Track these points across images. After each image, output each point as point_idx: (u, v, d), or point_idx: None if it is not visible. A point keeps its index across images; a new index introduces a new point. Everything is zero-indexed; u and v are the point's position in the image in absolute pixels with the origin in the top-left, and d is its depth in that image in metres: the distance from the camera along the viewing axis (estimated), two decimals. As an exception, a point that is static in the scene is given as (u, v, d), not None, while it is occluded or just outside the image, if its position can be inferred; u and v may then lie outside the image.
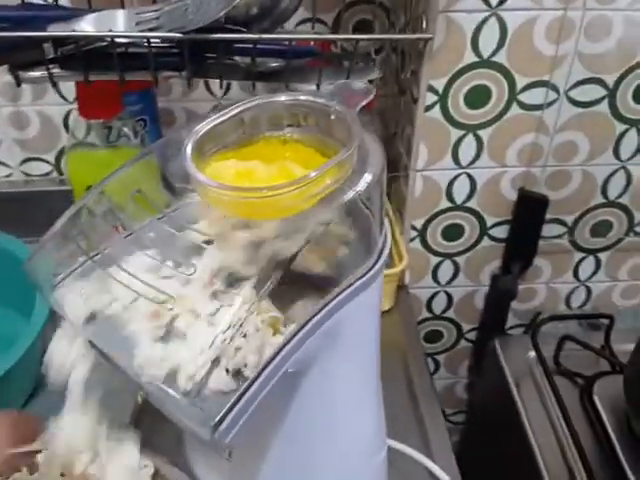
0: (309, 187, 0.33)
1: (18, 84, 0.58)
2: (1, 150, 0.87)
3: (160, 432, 0.42)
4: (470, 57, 0.69)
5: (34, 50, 0.55)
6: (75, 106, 0.68)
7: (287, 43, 0.58)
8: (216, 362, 0.30)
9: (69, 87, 0.79)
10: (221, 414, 0.30)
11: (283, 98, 0.40)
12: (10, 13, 0.57)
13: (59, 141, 0.87)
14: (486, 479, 0.85)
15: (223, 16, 0.52)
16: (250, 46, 0.57)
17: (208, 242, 0.35)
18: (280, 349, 0.33)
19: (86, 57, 0.56)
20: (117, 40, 0.55)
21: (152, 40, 0.56)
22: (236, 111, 0.38)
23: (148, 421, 0.40)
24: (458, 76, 0.70)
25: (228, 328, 0.31)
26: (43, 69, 0.57)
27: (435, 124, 0.73)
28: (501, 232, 0.83)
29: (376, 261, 0.39)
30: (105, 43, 0.56)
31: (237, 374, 0.32)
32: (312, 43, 0.67)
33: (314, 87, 0.61)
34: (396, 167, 0.81)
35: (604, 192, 0.81)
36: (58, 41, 0.56)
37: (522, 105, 0.73)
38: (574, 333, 0.82)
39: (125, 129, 0.68)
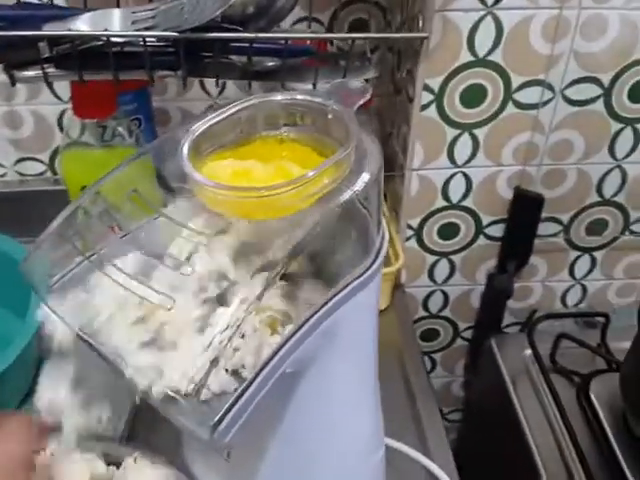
0: (307, 187, 0.33)
1: (13, 83, 0.58)
2: (-5, 150, 0.87)
3: (158, 432, 0.42)
4: (466, 56, 0.69)
5: (29, 49, 0.55)
6: (69, 105, 0.68)
7: (283, 42, 0.58)
8: (215, 362, 0.30)
9: (63, 86, 0.79)
10: (220, 414, 0.30)
11: (280, 97, 0.39)
12: (5, 12, 0.56)
13: (53, 141, 0.87)
14: (483, 477, 0.85)
15: (219, 15, 0.52)
16: (246, 45, 0.56)
17: (206, 242, 0.35)
18: (278, 349, 0.33)
19: (81, 56, 0.56)
20: (113, 39, 0.55)
21: (148, 39, 0.55)
22: (232, 110, 0.38)
23: (146, 421, 0.40)
24: (454, 75, 0.70)
25: (226, 328, 0.31)
26: (38, 68, 0.57)
27: (431, 123, 0.73)
28: (497, 231, 0.83)
29: (374, 261, 0.39)
30: (101, 42, 0.55)
31: (235, 374, 0.32)
32: (308, 42, 0.67)
33: (310, 86, 0.61)
34: (392, 166, 0.81)
35: (599, 191, 0.81)
36: (53, 40, 0.55)
37: (518, 104, 0.73)
38: (570, 331, 0.82)
39: (120, 128, 0.68)
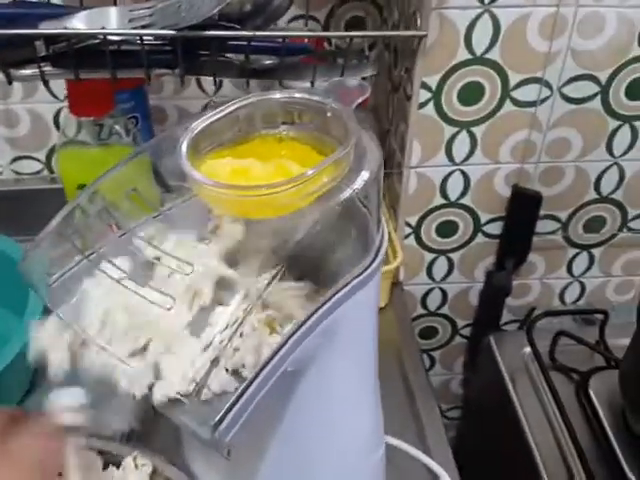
0: (306, 185, 0.33)
1: (9, 82, 0.58)
2: (-9, 149, 0.87)
3: (159, 431, 0.42)
4: (463, 54, 0.68)
5: (26, 48, 0.54)
6: (66, 104, 0.67)
7: (281, 40, 0.58)
8: (215, 362, 0.30)
9: (60, 85, 0.78)
10: (221, 414, 0.30)
11: (278, 96, 0.39)
12: (1, 10, 0.56)
13: (50, 139, 0.87)
14: (483, 474, 0.85)
15: (216, 13, 0.52)
16: (244, 43, 0.56)
17: (205, 241, 0.35)
18: (278, 349, 0.33)
19: (78, 55, 0.56)
20: (109, 38, 0.55)
21: (145, 37, 0.55)
22: (231, 109, 0.38)
23: (147, 420, 0.40)
24: (451, 73, 0.70)
25: (226, 328, 0.31)
26: (35, 67, 0.56)
27: (429, 121, 0.73)
28: (495, 228, 0.83)
29: (373, 259, 0.39)
30: (97, 41, 0.55)
31: (235, 374, 0.32)
32: (306, 40, 0.67)
33: (308, 84, 0.61)
34: (390, 164, 0.81)
35: (597, 188, 0.81)
36: (50, 39, 0.55)
37: (515, 102, 0.73)
38: (568, 328, 0.82)
39: (117, 127, 0.68)
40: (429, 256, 0.85)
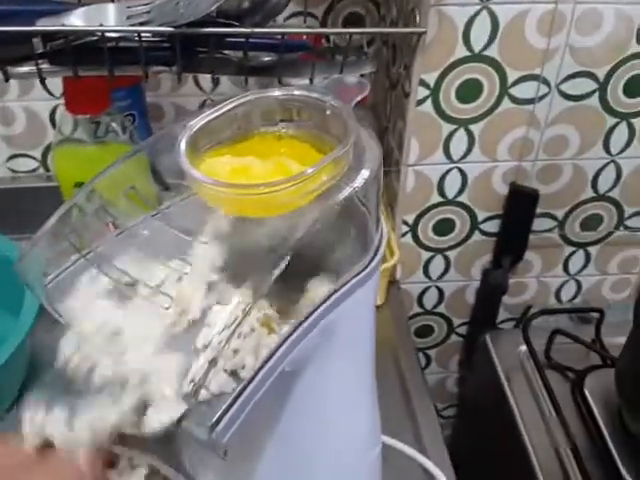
0: (306, 184, 0.33)
1: (6, 79, 0.57)
2: (-13, 146, 0.86)
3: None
4: (462, 51, 0.68)
5: (23, 45, 0.54)
6: (62, 101, 0.67)
7: (279, 37, 0.57)
8: (213, 363, 0.30)
9: (56, 82, 0.77)
10: (218, 414, 0.30)
11: (277, 93, 0.39)
12: (-2, 7, 0.56)
13: (46, 137, 0.86)
14: (478, 473, 0.85)
15: (215, 10, 0.52)
16: (242, 40, 0.56)
17: (204, 240, 0.35)
18: (276, 349, 0.33)
19: (76, 52, 0.56)
20: (107, 34, 0.55)
21: (143, 34, 0.55)
22: (229, 106, 0.38)
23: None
24: (450, 70, 0.69)
25: (224, 328, 0.31)
26: (32, 64, 0.56)
27: (427, 119, 0.73)
28: (492, 226, 0.83)
29: (372, 258, 0.38)
30: (95, 37, 0.55)
31: (233, 375, 0.31)
32: (304, 37, 0.66)
33: (307, 82, 0.60)
34: (387, 162, 0.81)
35: (594, 186, 0.81)
36: (47, 36, 0.55)
37: (513, 99, 0.72)
38: (564, 327, 0.82)
39: (113, 124, 0.67)
40: (426, 254, 0.85)
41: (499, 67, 0.70)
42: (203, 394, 0.30)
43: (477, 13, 0.66)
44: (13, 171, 0.89)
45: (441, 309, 0.92)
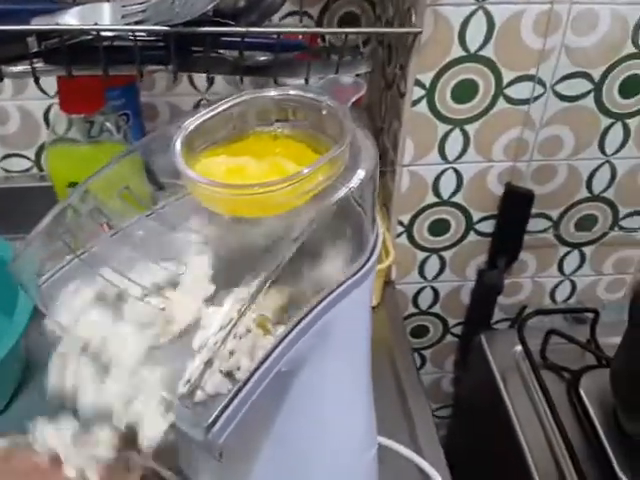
0: (302, 184, 0.33)
1: (0, 79, 0.57)
2: (-20, 146, 0.86)
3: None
4: (457, 51, 0.68)
5: (17, 44, 0.54)
6: (56, 100, 0.67)
7: (275, 36, 0.57)
8: (209, 364, 0.30)
9: (50, 81, 0.77)
10: (214, 415, 0.30)
11: (273, 93, 0.39)
12: (-8, 6, 0.56)
13: (39, 137, 0.86)
14: (474, 473, 0.85)
15: (210, 9, 0.52)
16: (238, 39, 0.56)
17: (198, 240, 0.35)
18: (272, 350, 0.33)
19: (70, 51, 0.55)
20: (102, 34, 0.54)
21: (138, 33, 0.55)
22: (225, 106, 0.38)
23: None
24: (445, 70, 0.69)
25: (220, 329, 0.31)
26: (26, 63, 0.56)
27: (422, 119, 0.72)
28: (487, 227, 0.83)
29: (368, 259, 0.38)
30: (90, 37, 0.55)
31: (229, 376, 0.31)
32: (300, 37, 0.66)
33: (302, 81, 0.60)
34: (382, 162, 0.81)
35: (589, 186, 0.81)
36: (42, 35, 0.55)
37: (509, 99, 0.72)
38: (559, 327, 0.82)
39: (107, 124, 0.67)
40: (421, 255, 0.85)
41: (494, 67, 0.70)
42: (199, 395, 0.30)
43: (473, 13, 0.66)
44: (6, 171, 0.88)
45: (436, 309, 0.92)
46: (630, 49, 0.70)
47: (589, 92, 0.73)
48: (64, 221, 0.36)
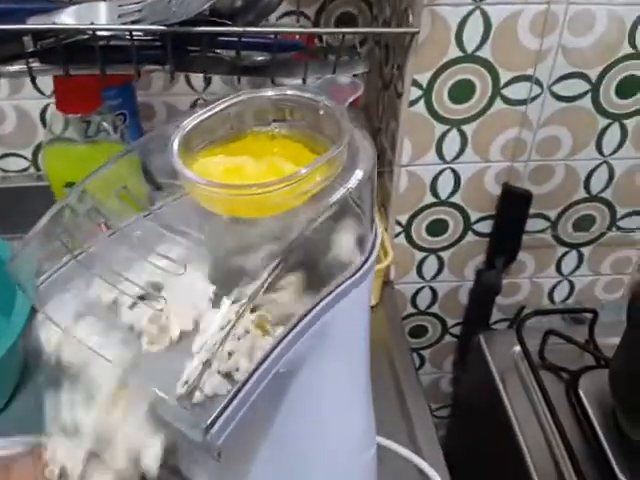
0: (300, 184, 0.33)
1: (-4, 78, 0.57)
2: (-23, 146, 0.86)
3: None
4: (454, 51, 0.68)
5: (13, 43, 0.54)
6: (52, 100, 0.67)
7: (272, 36, 0.57)
8: (207, 365, 0.29)
9: (46, 81, 0.77)
10: (213, 416, 0.30)
11: (270, 93, 0.39)
12: (-12, 5, 0.55)
13: (36, 136, 0.86)
14: (473, 473, 0.85)
15: (207, 9, 0.51)
16: (235, 39, 0.56)
17: (196, 240, 0.34)
18: (271, 351, 0.33)
19: (67, 51, 0.55)
20: (99, 33, 0.54)
21: (134, 33, 0.55)
22: (222, 106, 0.38)
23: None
24: (442, 70, 0.69)
25: (218, 330, 0.30)
26: (22, 63, 0.56)
27: (419, 119, 0.72)
28: (485, 227, 0.83)
29: (367, 259, 0.38)
30: (86, 36, 0.55)
31: (228, 377, 0.31)
32: (297, 37, 0.66)
33: (300, 81, 0.60)
34: (380, 162, 0.80)
35: (587, 187, 0.81)
36: (38, 34, 0.54)
37: (506, 100, 0.72)
38: (558, 327, 0.82)
39: (104, 124, 0.67)
40: (419, 255, 0.85)
41: (492, 68, 0.70)
42: (197, 396, 0.30)
43: (470, 13, 0.66)
44: (4, 170, 0.88)
45: (435, 309, 0.92)
46: (627, 49, 0.70)
47: (586, 92, 0.73)
48: (62, 221, 0.36)
